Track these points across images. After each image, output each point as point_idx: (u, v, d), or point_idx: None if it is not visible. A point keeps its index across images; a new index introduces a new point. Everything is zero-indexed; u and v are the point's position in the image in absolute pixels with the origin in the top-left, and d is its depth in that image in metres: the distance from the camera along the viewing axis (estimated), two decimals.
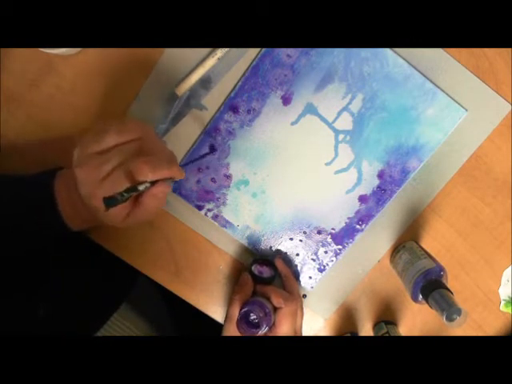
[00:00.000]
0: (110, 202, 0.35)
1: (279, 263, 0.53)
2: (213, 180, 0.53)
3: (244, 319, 0.46)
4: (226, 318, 0.49)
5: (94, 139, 0.39)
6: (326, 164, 0.53)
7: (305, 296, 0.56)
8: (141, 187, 0.37)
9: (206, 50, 0.51)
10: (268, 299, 0.49)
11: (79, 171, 0.38)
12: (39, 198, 0.42)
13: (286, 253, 0.55)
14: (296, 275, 0.55)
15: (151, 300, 0.68)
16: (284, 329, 0.47)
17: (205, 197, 0.54)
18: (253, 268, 0.53)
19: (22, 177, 0.45)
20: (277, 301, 0.48)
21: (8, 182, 0.45)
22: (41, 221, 0.43)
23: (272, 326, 0.48)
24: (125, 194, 0.36)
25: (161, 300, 0.70)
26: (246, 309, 0.46)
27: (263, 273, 0.53)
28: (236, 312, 0.48)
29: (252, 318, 0.46)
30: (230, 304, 0.49)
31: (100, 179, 0.37)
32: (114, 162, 0.37)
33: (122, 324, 0.57)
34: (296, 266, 0.55)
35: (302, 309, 0.51)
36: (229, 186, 0.53)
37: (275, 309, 0.49)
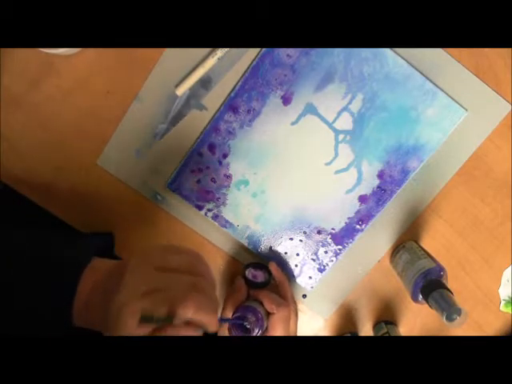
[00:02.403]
0: (146, 319, 0.34)
1: (273, 268, 0.53)
2: (213, 180, 0.53)
3: (236, 324, 0.46)
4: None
5: (160, 254, 0.38)
6: (326, 164, 0.53)
7: (305, 296, 0.56)
8: (176, 321, 0.35)
9: (205, 50, 0.51)
10: (261, 304, 0.49)
11: (129, 276, 0.36)
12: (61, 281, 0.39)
13: (280, 253, 0.55)
14: (290, 276, 0.55)
15: None
16: (277, 334, 0.47)
17: (205, 197, 0.54)
18: (246, 272, 0.53)
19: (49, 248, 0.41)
20: (269, 306, 0.48)
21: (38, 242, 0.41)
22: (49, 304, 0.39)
23: (265, 331, 0.48)
24: (160, 320, 0.34)
25: None
26: (238, 314, 0.46)
27: (257, 277, 0.53)
28: (229, 316, 0.47)
29: (245, 322, 0.46)
30: (222, 308, 0.49)
31: (143, 292, 0.35)
32: (163, 284, 0.36)
33: None
34: (291, 269, 0.55)
35: (296, 314, 0.50)
36: (229, 186, 0.53)
37: (268, 314, 0.49)
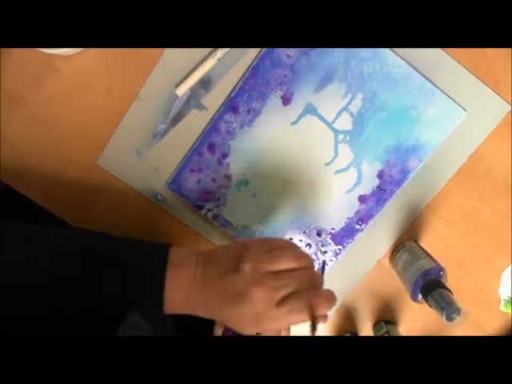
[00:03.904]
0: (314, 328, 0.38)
1: None
2: (213, 180, 0.53)
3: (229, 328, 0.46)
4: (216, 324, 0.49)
5: (270, 258, 0.39)
6: (326, 164, 0.53)
7: None
8: (318, 321, 0.39)
9: (205, 50, 0.51)
10: None
11: (256, 290, 0.37)
12: (143, 292, 0.40)
13: None
14: None
15: None
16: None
17: (205, 197, 0.54)
18: None
19: (127, 256, 0.42)
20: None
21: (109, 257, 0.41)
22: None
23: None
24: (314, 328, 0.38)
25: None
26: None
27: None
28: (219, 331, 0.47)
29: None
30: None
31: (276, 301, 0.38)
32: (290, 288, 0.38)
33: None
34: None
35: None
36: (229, 186, 0.53)
37: None
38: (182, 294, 0.39)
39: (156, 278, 0.39)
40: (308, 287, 0.39)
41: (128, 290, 0.40)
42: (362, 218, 0.53)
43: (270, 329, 0.39)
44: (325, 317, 0.41)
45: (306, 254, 0.42)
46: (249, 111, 0.52)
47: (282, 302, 0.38)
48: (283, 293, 0.38)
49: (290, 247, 0.41)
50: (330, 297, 0.39)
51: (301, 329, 0.42)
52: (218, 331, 0.47)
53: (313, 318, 0.38)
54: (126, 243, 0.43)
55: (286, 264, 0.39)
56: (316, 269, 0.54)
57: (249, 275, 0.38)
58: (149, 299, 0.39)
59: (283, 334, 0.41)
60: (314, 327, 0.38)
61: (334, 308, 0.55)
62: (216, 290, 0.39)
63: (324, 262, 0.50)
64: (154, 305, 0.39)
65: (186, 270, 0.40)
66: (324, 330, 0.57)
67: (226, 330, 0.46)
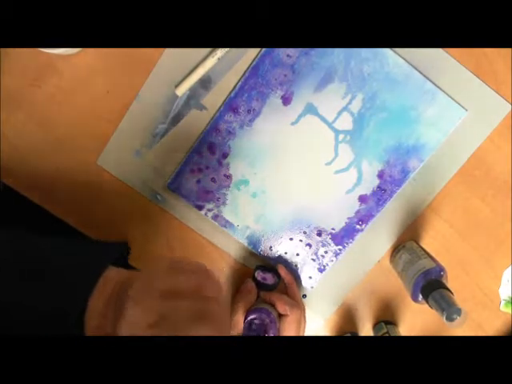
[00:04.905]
0: None
1: (282, 270, 0.53)
2: (213, 180, 0.53)
3: (249, 327, 0.46)
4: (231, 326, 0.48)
5: (165, 277, 0.35)
6: (326, 164, 0.53)
7: (305, 296, 0.56)
8: None
9: (205, 50, 0.51)
10: (272, 306, 0.49)
11: (133, 306, 0.34)
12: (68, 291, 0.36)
13: (280, 253, 0.55)
14: (296, 277, 0.55)
15: None
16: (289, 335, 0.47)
17: (205, 197, 0.53)
18: (256, 274, 0.53)
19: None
20: (283, 308, 0.48)
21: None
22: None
23: (277, 333, 0.47)
24: None
25: None
26: (252, 316, 0.45)
27: (267, 279, 0.53)
28: (241, 319, 0.47)
29: (257, 325, 0.46)
30: (233, 311, 0.49)
31: (148, 324, 0.33)
32: (168, 314, 0.33)
33: None
34: (296, 269, 0.55)
35: (305, 316, 0.51)
36: (229, 186, 0.53)
37: (279, 316, 0.48)
38: (96, 310, 0.36)
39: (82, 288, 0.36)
40: (188, 321, 0.34)
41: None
42: (363, 218, 0.53)
43: None
44: None
45: (214, 281, 0.37)
46: (249, 111, 0.52)
47: (153, 326, 0.33)
48: (155, 317, 0.33)
49: (196, 272, 0.36)
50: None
51: None
52: (239, 319, 0.46)
53: None
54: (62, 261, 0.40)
55: (179, 285, 0.35)
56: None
57: (134, 290, 0.35)
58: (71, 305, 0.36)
59: None
60: None
61: (334, 308, 0.55)
62: (116, 310, 0.35)
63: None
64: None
65: (105, 289, 0.36)
66: (324, 330, 0.57)
67: (250, 313, 0.45)
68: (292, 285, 0.53)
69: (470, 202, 0.53)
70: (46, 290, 0.37)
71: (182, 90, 0.51)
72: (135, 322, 0.33)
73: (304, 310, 0.51)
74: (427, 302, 0.44)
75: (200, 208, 0.54)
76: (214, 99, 0.52)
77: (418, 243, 0.53)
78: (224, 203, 0.54)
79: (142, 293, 0.35)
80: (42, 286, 0.37)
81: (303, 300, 0.56)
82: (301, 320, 0.49)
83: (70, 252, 0.40)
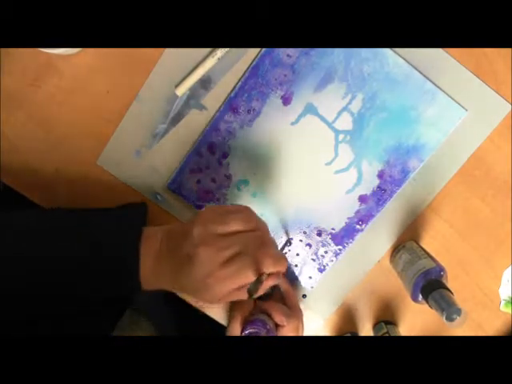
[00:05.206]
0: (253, 290, 0.38)
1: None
2: (213, 180, 0.53)
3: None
4: (227, 334, 0.48)
5: (220, 220, 0.40)
6: (326, 164, 0.53)
7: (305, 296, 0.56)
8: (263, 278, 0.39)
9: (205, 50, 0.51)
10: (269, 316, 0.48)
11: (203, 250, 0.39)
12: (119, 264, 0.41)
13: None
14: (293, 277, 0.54)
15: (153, 300, 0.68)
16: None
17: (205, 197, 0.53)
18: None
19: (100, 223, 0.44)
20: (279, 319, 0.47)
21: (83, 227, 0.43)
22: (114, 286, 0.42)
23: None
24: (254, 285, 0.38)
25: (162, 300, 0.70)
26: (248, 330, 0.45)
27: None
28: (237, 329, 0.47)
29: (254, 335, 0.45)
30: (230, 320, 0.49)
31: (222, 262, 0.39)
32: (237, 248, 0.39)
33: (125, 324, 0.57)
34: (293, 271, 0.54)
35: (302, 323, 0.50)
36: (229, 186, 0.53)
37: (277, 325, 0.48)
38: (149, 267, 0.41)
39: (129, 254, 0.41)
40: (256, 249, 0.40)
41: (103, 270, 0.41)
42: (363, 218, 0.53)
43: (220, 292, 0.40)
44: (274, 276, 0.41)
45: (258, 217, 0.43)
46: (249, 111, 0.52)
47: (228, 261, 0.39)
48: (229, 253, 0.39)
49: (240, 210, 0.42)
50: (276, 254, 0.40)
51: None
52: (235, 328, 0.47)
53: (258, 273, 0.39)
54: (99, 220, 0.45)
55: (234, 226, 0.40)
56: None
57: (197, 237, 0.39)
58: (125, 275, 0.41)
59: (237, 297, 0.41)
60: (257, 282, 0.38)
61: (334, 308, 0.55)
62: (174, 259, 0.40)
63: (288, 240, 0.52)
64: (130, 278, 0.41)
65: (152, 246, 0.41)
66: (324, 330, 0.57)
67: (247, 326, 0.45)
68: (289, 292, 0.52)
69: (469, 202, 0.53)
70: (100, 263, 0.41)
71: (182, 90, 0.51)
72: (209, 261, 0.38)
73: (302, 317, 0.50)
74: (427, 302, 0.44)
75: (200, 208, 0.54)
76: (214, 99, 0.52)
77: (418, 243, 0.53)
78: (224, 203, 0.54)
79: (206, 237, 0.39)
80: (97, 261, 0.41)
81: (303, 300, 0.56)
82: (298, 329, 0.49)
83: (100, 221, 0.44)
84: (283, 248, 0.50)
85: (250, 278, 0.39)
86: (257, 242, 0.40)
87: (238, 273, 0.39)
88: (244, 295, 0.39)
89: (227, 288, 0.39)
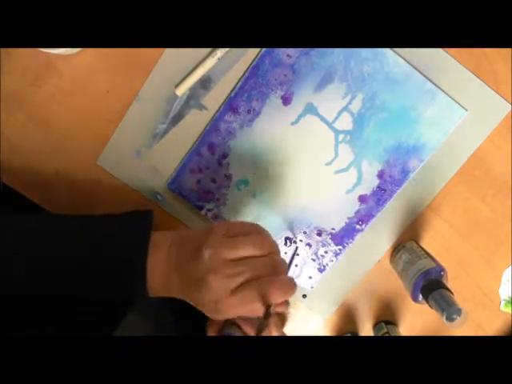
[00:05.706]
0: (262, 327, 0.38)
1: None
2: (213, 180, 0.53)
3: None
4: None
5: (231, 246, 0.39)
6: (326, 164, 0.53)
7: (305, 296, 0.56)
8: (271, 310, 0.38)
9: (205, 50, 0.51)
10: (239, 327, 0.48)
11: (213, 278, 0.38)
12: (126, 267, 0.40)
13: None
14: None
15: (153, 300, 0.68)
16: None
17: (205, 197, 0.54)
18: None
19: (106, 227, 0.43)
20: (248, 331, 0.48)
21: (92, 233, 0.43)
22: (121, 291, 0.41)
23: None
24: (266, 321, 0.38)
25: (162, 299, 0.69)
26: None
27: None
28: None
29: None
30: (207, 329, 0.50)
31: (231, 289, 0.38)
32: (247, 275, 0.38)
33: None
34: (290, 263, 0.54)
35: (277, 327, 0.50)
36: (229, 186, 0.53)
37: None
38: (158, 276, 0.40)
39: (138, 259, 0.40)
40: (267, 275, 0.39)
41: (107, 271, 0.41)
42: (362, 218, 0.53)
43: (230, 315, 0.39)
44: (282, 304, 0.41)
45: (270, 239, 0.42)
46: (249, 111, 0.52)
47: (237, 289, 0.38)
48: (239, 280, 0.38)
49: (252, 233, 0.41)
50: (285, 283, 0.39)
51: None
52: (211, 332, 0.47)
53: (266, 305, 0.38)
54: (105, 223, 0.44)
55: (245, 251, 0.39)
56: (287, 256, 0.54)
57: (207, 262, 0.38)
58: (134, 279, 0.40)
59: (249, 315, 0.40)
60: (266, 315, 0.37)
61: (334, 308, 0.55)
62: (182, 273, 0.40)
63: (295, 250, 0.51)
64: (138, 282, 0.40)
65: (160, 252, 0.41)
66: (324, 330, 0.57)
67: (223, 329, 0.46)
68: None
69: (469, 202, 0.53)
70: (102, 263, 0.41)
71: (182, 90, 0.51)
72: (219, 290, 0.38)
73: (275, 320, 0.50)
74: (427, 302, 0.44)
75: (200, 208, 0.54)
76: (214, 99, 0.52)
77: (418, 243, 0.53)
78: (224, 203, 0.54)
79: (216, 263, 0.38)
80: (99, 261, 0.41)
81: (303, 300, 0.56)
82: (272, 332, 0.49)
83: (108, 226, 0.44)
84: (291, 260, 0.48)
85: (258, 309, 0.38)
86: (266, 268, 0.39)
87: (247, 303, 0.38)
88: (255, 314, 0.39)
89: (237, 313, 0.39)
